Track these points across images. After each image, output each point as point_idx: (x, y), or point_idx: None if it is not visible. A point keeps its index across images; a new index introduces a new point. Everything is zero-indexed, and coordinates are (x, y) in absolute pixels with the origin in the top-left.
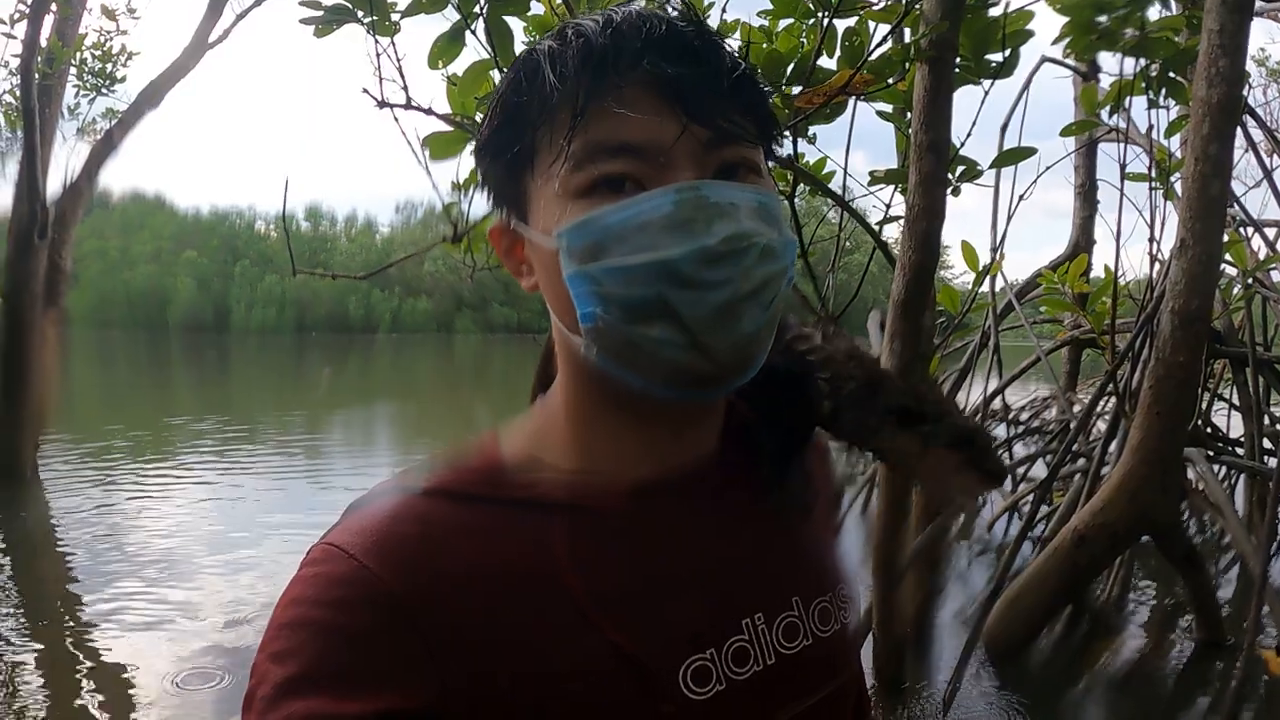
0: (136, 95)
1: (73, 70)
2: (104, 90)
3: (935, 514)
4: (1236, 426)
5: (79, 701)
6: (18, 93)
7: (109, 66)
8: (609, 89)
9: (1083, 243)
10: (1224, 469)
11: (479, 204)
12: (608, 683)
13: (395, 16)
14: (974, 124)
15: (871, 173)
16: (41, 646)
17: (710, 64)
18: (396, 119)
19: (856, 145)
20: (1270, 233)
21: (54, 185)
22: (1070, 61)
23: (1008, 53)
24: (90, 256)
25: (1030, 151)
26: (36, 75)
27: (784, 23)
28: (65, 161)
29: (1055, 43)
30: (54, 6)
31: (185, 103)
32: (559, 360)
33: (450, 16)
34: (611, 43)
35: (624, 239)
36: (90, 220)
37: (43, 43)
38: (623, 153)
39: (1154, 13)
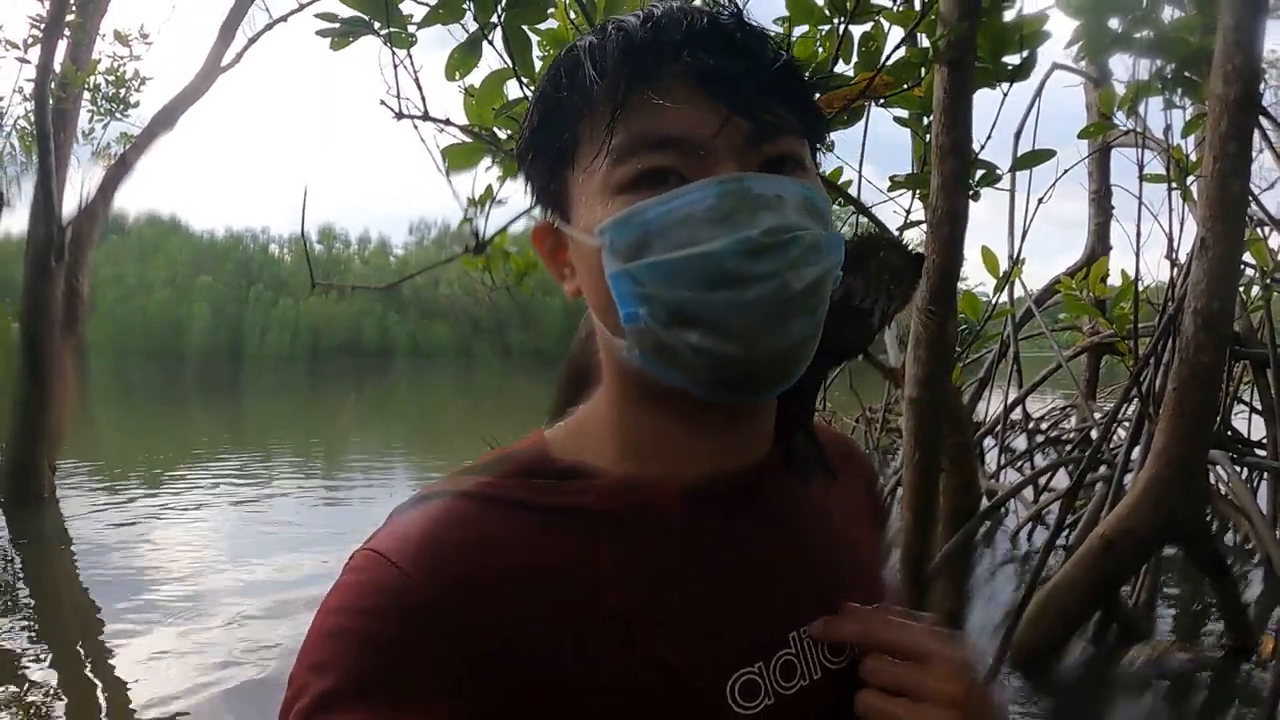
0: (150, 119)
1: (86, 95)
2: (118, 115)
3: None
4: (1257, 430)
5: None
6: (32, 117)
7: (122, 91)
8: (649, 81)
9: (1099, 248)
10: (1247, 471)
11: (496, 218)
12: (651, 696)
13: (412, 28)
14: (994, 126)
15: (892, 178)
16: (59, 669)
17: (753, 56)
18: (417, 128)
19: (868, 154)
20: None
21: (69, 208)
22: (1082, 67)
23: (1025, 55)
24: (107, 283)
25: (1049, 154)
26: (50, 99)
27: (799, 30)
28: (80, 185)
29: (1068, 47)
30: (67, 31)
31: (199, 125)
32: (604, 364)
33: (469, 27)
34: (652, 36)
35: (665, 233)
36: (106, 246)
37: (56, 67)
38: (664, 146)
39: (1167, 12)
